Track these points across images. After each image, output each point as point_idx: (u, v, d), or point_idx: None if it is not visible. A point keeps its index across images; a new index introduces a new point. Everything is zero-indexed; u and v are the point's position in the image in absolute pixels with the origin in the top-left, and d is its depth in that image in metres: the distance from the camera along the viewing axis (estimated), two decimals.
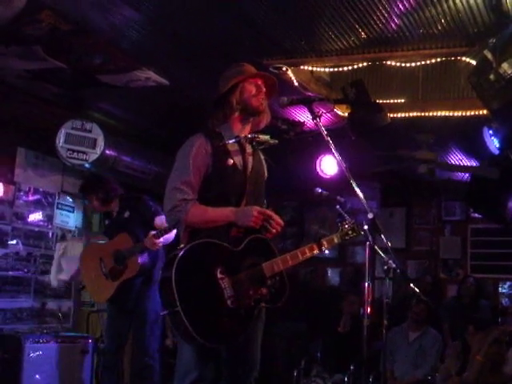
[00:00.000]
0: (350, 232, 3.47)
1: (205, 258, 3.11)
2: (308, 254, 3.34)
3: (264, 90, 3.38)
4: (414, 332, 6.74)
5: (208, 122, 3.39)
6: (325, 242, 3.40)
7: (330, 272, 9.52)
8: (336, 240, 3.46)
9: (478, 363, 5.61)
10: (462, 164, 7.63)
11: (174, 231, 4.86)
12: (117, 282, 5.24)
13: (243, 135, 3.35)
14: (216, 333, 3.05)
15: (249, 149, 3.38)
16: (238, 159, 3.31)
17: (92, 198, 5.53)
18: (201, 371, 3.16)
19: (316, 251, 3.37)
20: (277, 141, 3.42)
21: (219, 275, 3.09)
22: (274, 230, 3.28)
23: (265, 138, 3.40)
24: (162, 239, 5.02)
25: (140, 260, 5.21)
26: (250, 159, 3.37)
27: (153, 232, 5.10)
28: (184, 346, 3.20)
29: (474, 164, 7.38)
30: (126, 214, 5.48)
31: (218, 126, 3.36)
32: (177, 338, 3.29)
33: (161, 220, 5.21)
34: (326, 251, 3.47)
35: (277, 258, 3.26)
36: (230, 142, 3.31)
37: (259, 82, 3.38)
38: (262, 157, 3.49)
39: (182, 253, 3.06)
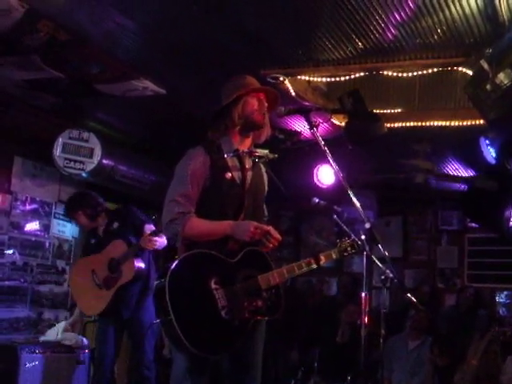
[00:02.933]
0: (349, 248, 3.42)
1: (199, 268, 3.10)
2: (305, 268, 3.33)
3: (266, 104, 3.38)
4: (414, 341, 6.72)
5: (208, 133, 3.39)
6: (322, 257, 3.38)
7: (326, 281, 9.51)
8: (334, 255, 3.43)
9: (473, 367, 5.61)
10: (458, 174, 7.64)
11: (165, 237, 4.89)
12: (112, 290, 5.20)
13: (242, 149, 3.35)
14: (208, 343, 3.04)
15: (248, 163, 3.38)
16: (237, 173, 3.31)
17: (79, 215, 5.46)
18: (194, 382, 3.16)
19: (313, 265, 3.35)
20: (276, 155, 3.42)
21: (213, 285, 3.08)
22: (271, 245, 3.26)
23: (263, 152, 3.40)
24: (158, 238, 4.98)
25: (136, 264, 5.18)
26: (250, 173, 3.36)
27: (148, 231, 5.09)
28: (177, 356, 3.20)
29: (471, 174, 7.38)
30: (115, 225, 5.44)
31: (219, 138, 3.36)
32: (171, 348, 3.29)
33: (150, 229, 5.20)
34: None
35: (273, 270, 3.25)
36: (229, 155, 3.31)
37: (261, 96, 3.38)
38: (264, 170, 3.49)
39: (176, 262, 3.07)
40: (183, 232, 3.16)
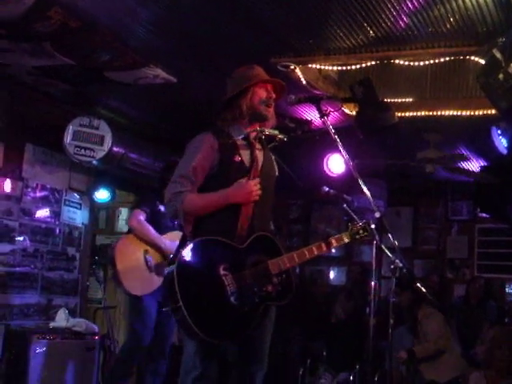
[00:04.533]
0: (360, 231, 3.34)
1: (208, 255, 3.11)
2: (316, 253, 3.28)
3: (274, 95, 3.39)
4: (409, 335, 6.68)
5: (216, 121, 3.39)
6: (333, 241, 3.32)
7: (336, 270, 9.53)
8: (346, 239, 3.36)
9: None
10: (469, 164, 7.61)
11: None
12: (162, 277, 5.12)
13: (253, 129, 3.36)
14: (218, 329, 3.05)
15: (258, 146, 3.38)
16: (246, 156, 3.31)
17: None
18: (204, 368, 3.17)
19: (324, 250, 3.31)
20: (286, 135, 3.42)
21: (222, 272, 3.09)
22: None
23: (273, 132, 3.40)
24: None
25: None
26: (260, 156, 3.37)
27: None
28: (188, 343, 3.21)
29: (482, 164, 7.35)
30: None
31: (227, 126, 3.37)
32: (181, 335, 3.30)
33: None
34: (333, 250, 3.41)
35: (283, 255, 3.25)
36: (239, 138, 3.32)
37: (269, 87, 3.39)
38: (273, 157, 3.48)
39: (185, 249, 3.08)
40: (182, 208, 3.15)
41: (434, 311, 6.54)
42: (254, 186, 3.20)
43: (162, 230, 5.24)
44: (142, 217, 5.31)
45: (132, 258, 5.19)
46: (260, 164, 3.35)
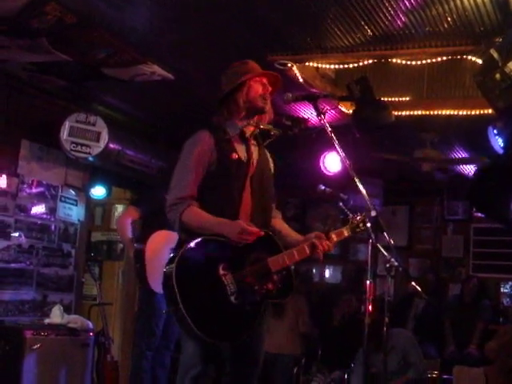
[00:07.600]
0: (360, 225, 3.33)
1: (207, 255, 3.09)
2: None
3: (270, 88, 3.38)
4: (377, 354, 6.01)
5: (213, 118, 3.39)
6: (334, 235, 3.32)
7: (331, 269, 9.53)
8: (346, 233, 3.36)
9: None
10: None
11: None
12: None
13: (248, 122, 3.35)
14: (219, 329, 3.04)
15: (253, 142, 3.39)
16: (243, 153, 3.31)
17: None
18: (203, 367, 3.16)
19: None
20: (280, 130, 3.43)
21: (221, 271, 3.07)
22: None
23: (268, 126, 3.40)
24: None
25: None
26: (255, 154, 3.37)
27: None
28: (188, 342, 3.20)
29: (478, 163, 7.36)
30: None
31: (223, 122, 3.36)
32: (181, 334, 3.28)
33: None
34: None
35: (283, 252, 3.24)
36: (235, 133, 3.31)
37: (265, 81, 3.39)
38: (268, 154, 3.48)
39: (183, 249, 3.06)
40: (180, 219, 3.14)
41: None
42: (246, 230, 3.10)
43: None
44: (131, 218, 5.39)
45: (159, 256, 5.14)
46: (255, 160, 3.35)
